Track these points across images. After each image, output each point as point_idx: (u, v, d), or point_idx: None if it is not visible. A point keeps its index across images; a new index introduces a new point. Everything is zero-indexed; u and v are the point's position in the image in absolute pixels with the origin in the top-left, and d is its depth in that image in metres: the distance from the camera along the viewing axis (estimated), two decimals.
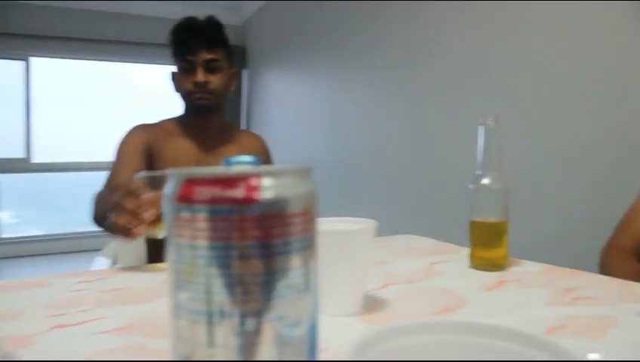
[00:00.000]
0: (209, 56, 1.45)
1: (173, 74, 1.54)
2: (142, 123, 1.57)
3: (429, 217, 2.64)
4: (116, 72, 4.58)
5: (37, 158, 4.18)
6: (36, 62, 4.19)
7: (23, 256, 4.03)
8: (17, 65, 4.13)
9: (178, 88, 1.52)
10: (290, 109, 4.21)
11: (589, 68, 2.02)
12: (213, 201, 0.28)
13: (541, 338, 0.27)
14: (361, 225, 0.64)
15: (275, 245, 0.28)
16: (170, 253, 0.30)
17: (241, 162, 1.09)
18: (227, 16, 4.66)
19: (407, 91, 2.92)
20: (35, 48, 4.11)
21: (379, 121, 3.17)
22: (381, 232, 1.20)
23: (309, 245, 0.31)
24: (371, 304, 0.68)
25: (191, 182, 0.29)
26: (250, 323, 0.28)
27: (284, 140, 4.21)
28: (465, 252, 0.93)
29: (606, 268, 1.14)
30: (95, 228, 1.29)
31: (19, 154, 4.12)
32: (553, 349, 0.26)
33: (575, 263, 0.95)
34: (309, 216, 0.31)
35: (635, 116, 1.83)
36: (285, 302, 0.29)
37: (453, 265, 0.91)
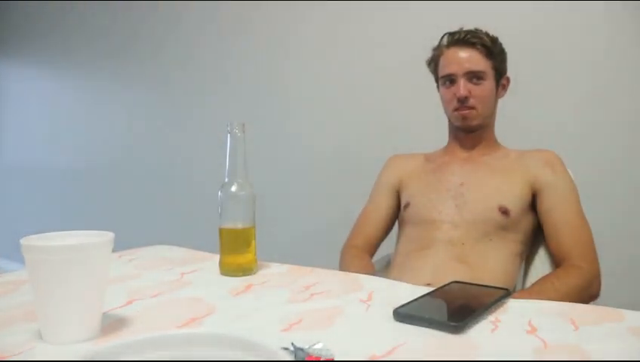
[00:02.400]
0: None
1: None
2: None
3: (185, 226, 2.60)
4: None
5: None
6: None
7: None
8: None
9: None
10: (29, 106, 3.65)
11: (333, 76, 2.26)
12: None
13: (247, 341, 0.27)
14: (94, 238, 0.58)
15: None
16: None
17: None
18: None
19: (159, 97, 2.83)
20: None
21: (130, 127, 3.00)
22: (133, 244, 1.12)
23: None
24: (111, 325, 0.63)
25: None
26: None
27: (17, 143, 3.65)
28: (216, 259, 0.93)
29: (343, 264, 1.29)
30: None
31: None
32: (253, 348, 0.27)
33: (322, 262, 1.05)
34: None
35: (355, 126, 2.12)
36: None
37: (203, 274, 0.90)
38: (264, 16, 2.35)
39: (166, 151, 2.79)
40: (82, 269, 0.55)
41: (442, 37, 1.24)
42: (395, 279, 0.93)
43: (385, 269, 1.31)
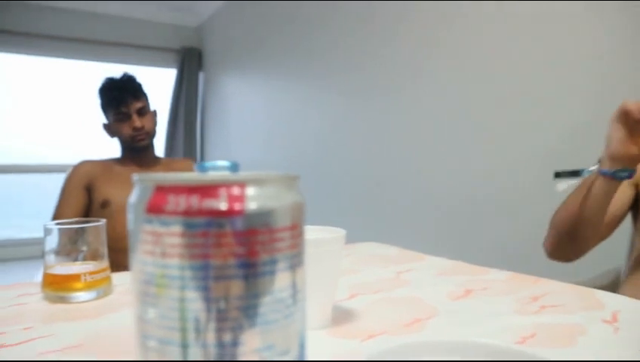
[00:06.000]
0: (138, 104, 1.80)
1: (106, 125, 1.87)
2: (88, 159, 1.86)
3: (387, 224, 2.64)
4: (80, 72, 4.33)
5: None
6: None
7: None
8: None
9: (116, 135, 1.84)
10: (246, 113, 4.15)
11: (529, 71, 2.07)
12: (189, 213, 0.24)
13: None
14: (331, 234, 0.61)
15: (261, 263, 0.25)
16: (135, 272, 0.26)
17: (217, 168, 1.04)
18: (183, 18, 4.55)
19: (365, 95, 2.92)
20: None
21: (334, 126, 3.16)
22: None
23: (297, 262, 0.28)
24: (340, 316, 0.66)
25: (162, 189, 0.25)
26: (232, 354, 0.24)
27: (240, 145, 4.14)
28: (429, 260, 0.92)
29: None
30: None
31: None
32: None
33: (537, 270, 0.96)
34: (297, 230, 0.27)
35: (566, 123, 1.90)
36: (272, 329, 0.25)
37: (419, 274, 0.90)
38: (445, 18, 2.27)
39: (373, 150, 2.88)
40: (324, 261, 0.58)
41: None
42: (632, 298, 0.80)
43: (612, 286, 1.15)
